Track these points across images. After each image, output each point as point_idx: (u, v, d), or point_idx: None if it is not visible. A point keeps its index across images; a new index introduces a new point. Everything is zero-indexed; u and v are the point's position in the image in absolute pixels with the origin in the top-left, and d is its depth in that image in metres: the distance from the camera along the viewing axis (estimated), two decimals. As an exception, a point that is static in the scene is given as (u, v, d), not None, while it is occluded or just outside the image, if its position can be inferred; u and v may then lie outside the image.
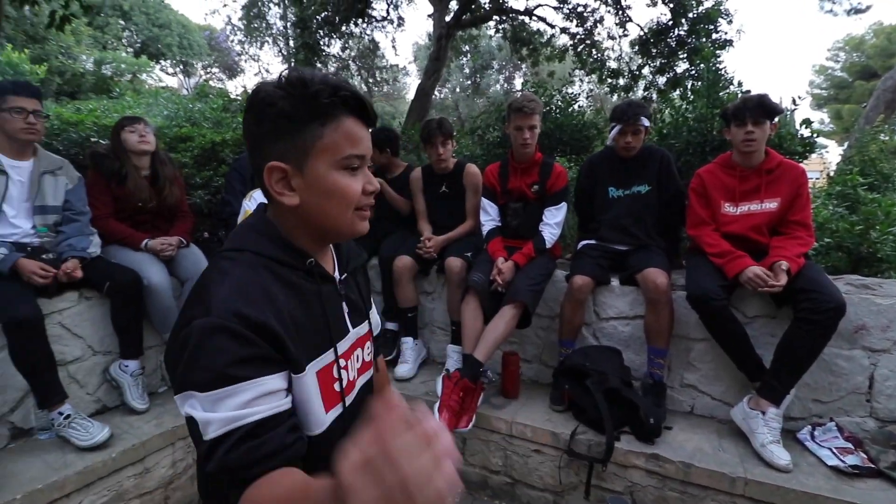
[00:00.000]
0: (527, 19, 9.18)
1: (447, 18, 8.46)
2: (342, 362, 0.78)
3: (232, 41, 16.02)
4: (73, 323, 2.10)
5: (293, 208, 0.72)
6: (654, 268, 2.12)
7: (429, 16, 9.26)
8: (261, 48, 15.92)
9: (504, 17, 9.16)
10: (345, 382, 0.78)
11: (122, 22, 16.61)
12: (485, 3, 8.67)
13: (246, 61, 18.11)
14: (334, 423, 0.75)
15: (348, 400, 0.79)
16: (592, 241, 2.49)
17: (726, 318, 1.93)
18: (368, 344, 0.90)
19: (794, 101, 3.39)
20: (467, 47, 12.38)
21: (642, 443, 1.93)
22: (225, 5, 17.90)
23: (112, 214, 2.31)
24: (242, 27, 13.56)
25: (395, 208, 2.99)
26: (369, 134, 0.73)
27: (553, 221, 2.44)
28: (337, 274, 0.84)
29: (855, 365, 1.94)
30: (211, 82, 19.13)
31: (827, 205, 3.44)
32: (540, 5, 8.74)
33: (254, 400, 0.61)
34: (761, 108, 1.97)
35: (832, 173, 5.27)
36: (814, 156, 3.38)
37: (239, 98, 6.67)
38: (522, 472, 2.17)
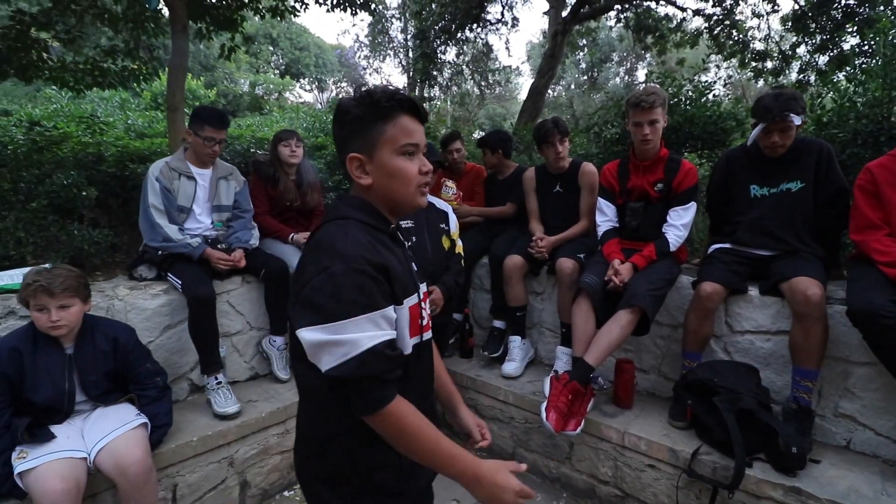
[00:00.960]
0: (653, 4, 8.53)
1: (563, 14, 8.24)
2: (423, 304, 0.98)
3: (359, 57, 17.55)
4: (237, 302, 2.53)
5: (368, 187, 0.93)
6: (805, 276, 1.85)
7: (544, 13, 9.12)
8: (383, 61, 17.23)
9: (627, 5, 8.61)
10: (425, 320, 0.99)
11: (271, 48, 19.23)
12: (605, -6, 8.25)
13: (370, 74, 19.69)
14: (413, 348, 0.95)
15: (426, 335, 1.00)
16: (727, 245, 2.25)
17: (900, 339, 1.61)
18: (427, 303, 1.05)
19: None
20: (584, 41, 11.90)
21: (781, 473, 1.71)
22: (354, 24, 19.72)
23: (268, 212, 2.74)
24: (368, 43, 14.77)
25: (513, 194, 3.03)
26: (422, 127, 0.94)
27: (680, 223, 2.26)
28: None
29: None
30: (340, 96, 21.21)
31: None
32: (668, -12, 8.06)
33: (386, 322, 0.84)
34: None
35: None
36: None
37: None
38: (634, 486, 2.06)
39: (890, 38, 2.74)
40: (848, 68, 5.72)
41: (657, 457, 1.97)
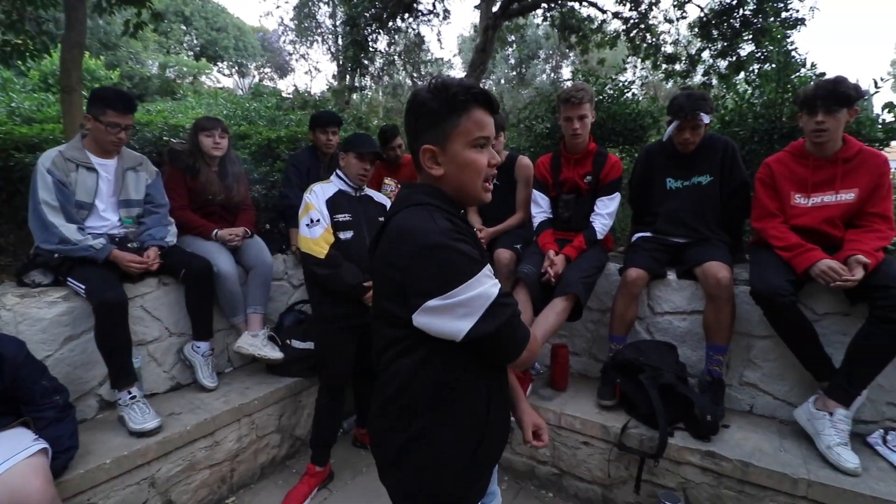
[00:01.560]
0: (576, 5, 8.90)
1: (494, 9, 8.37)
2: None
3: (284, 41, 16.64)
4: (152, 306, 2.30)
5: (439, 178, 0.97)
6: (715, 261, 2.04)
7: (475, 7, 9.18)
8: (310, 47, 16.44)
9: (553, 4, 8.92)
10: None
11: (184, 27, 17.65)
12: (533, -9, 8.49)
13: (297, 60, 18.76)
14: None
15: None
16: (647, 234, 2.42)
17: (794, 314, 1.83)
18: None
19: (875, 84, 3.12)
20: (513, 37, 12.20)
21: (698, 440, 1.88)
22: (278, 7, 18.62)
23: (187, 206, 2.50)
24: (294, 27, 14.05)
25: None
26: (493, 119, 0.97)
27: (605, 212, 2.40)
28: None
29: (941, 368, 1.79)
30: (264, 82, 20.00)
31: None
32: (590, -10, 8.46)
33: (493, 278, 0.90)
34: (834, 96, 1.83)
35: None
36: (894, 143, 3.10)
37: (290, 97, 6.92)
38: (570, 463, 2.17)
39: (782, 46, 3.09)
40: (745, 73, 6.38)
41: (591, 434, 2.08)
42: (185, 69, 14.66)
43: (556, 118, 2.54)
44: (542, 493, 2.24)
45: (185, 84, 13.51)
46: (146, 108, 7.27)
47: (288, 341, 2.55)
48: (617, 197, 2.42)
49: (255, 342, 2.48)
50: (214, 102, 7.48)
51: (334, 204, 2.24)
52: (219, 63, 18.78)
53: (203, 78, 15.87)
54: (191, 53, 17.82)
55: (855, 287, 1.74)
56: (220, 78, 19.23)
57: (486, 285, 0.86)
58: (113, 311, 1.97)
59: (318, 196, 2.25)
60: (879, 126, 2.84)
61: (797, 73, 3.07)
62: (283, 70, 21.84)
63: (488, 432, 0.98)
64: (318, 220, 2.20)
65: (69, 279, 2.01)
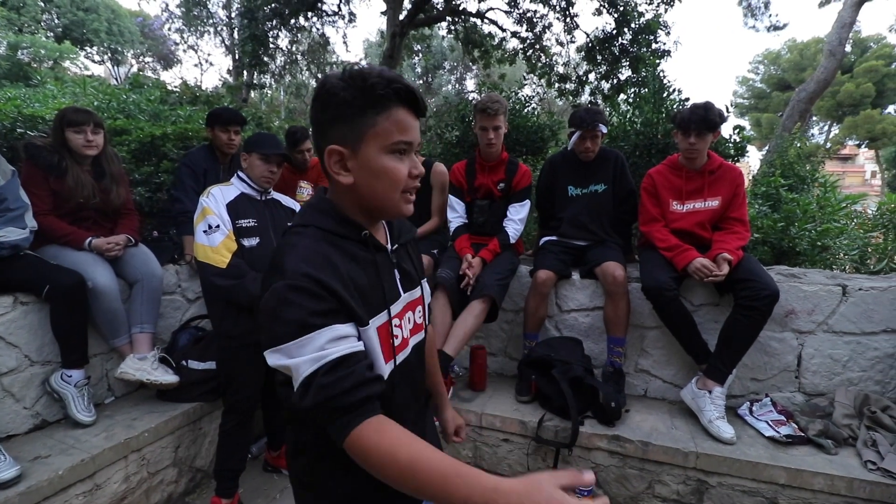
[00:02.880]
0: (479, 22, 9.34)
1: (401, 17, 8.44)
2: (396, 321, 0.88)
3: (169, 29, 15.03)
4: (6, 331, 1.91)
5: (348, 187, 0.82)
6: (611, 261, 2.25)
7: (382, 13, 9.19)
8: (201, 38, 15.06)
9: (457, 19, 9.26)
10: (399, 340, 0.89)
11: (42, 3, 15.12)
12: (438, 4, 8.72)
13: (185, 51, 17.04)
14: (391, 373, 0.86)
15: (401, 356, 0.89)
16: (553, 237, 2.60)
17: (677, 306, 2.09)
18: (420, 308, 0.99)
19: (726, 109, 3.70)
20: (419, 46, 12.40)
21: (604, 426, 2.05)
22: (160, -10, 16.75)
23: (51, 211, 2.13)
24: (181, 14, 12.77)
25: None
26: (418, 123, 0.83)
27: (517, 217, 2.52)
28: (389, 245, 0.94)
29: (785, 346, 2.17)
30: (144, 72, 17.85)
31: (752, 204, 3.78)
32: (491, 9, 8.92)
33: (331, 342, 0.72)
34: (704, 122, 2.14)
35: (753, 175, 5.80)
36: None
37: (177, 90, 6.28)
38: (492, 461, 2.23)
39: (656, 73, 3.53)
40: (625, 94, 7.19)
41: (510, 430, 2.16)
42: (42, 52, 12.49)
43: (473, 126, 2.62)
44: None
45: (44, 69, 11.52)
46: (-10, 94, 6.07)
47: (184, 362, 2.28)
48: (527, 203, 2.56)
49: (144, 366, 2.17)
50: (83, 91, 6.49)
51: (236, 208, 2.05)
52: (87, 48, 16.35)
53: (67, 63, 13.67)
54: (51, 34, 15.27)
55: (722, 281, 2.04)
56: (89, 64, 16.75)
57: (306, 355, 0.70)
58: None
59: (216, 200, 2.05)
60: (731, 145, 3.39)
61: (670, 97, 3.54)
62: (168, 61, 19.69)
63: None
64: (218, 226, 2.00)
65: None
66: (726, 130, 3.56)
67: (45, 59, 12.77)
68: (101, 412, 2.12)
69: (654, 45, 6.99)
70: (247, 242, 2.01)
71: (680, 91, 3.68)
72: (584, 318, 2.47)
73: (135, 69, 17.81)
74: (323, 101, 0.79)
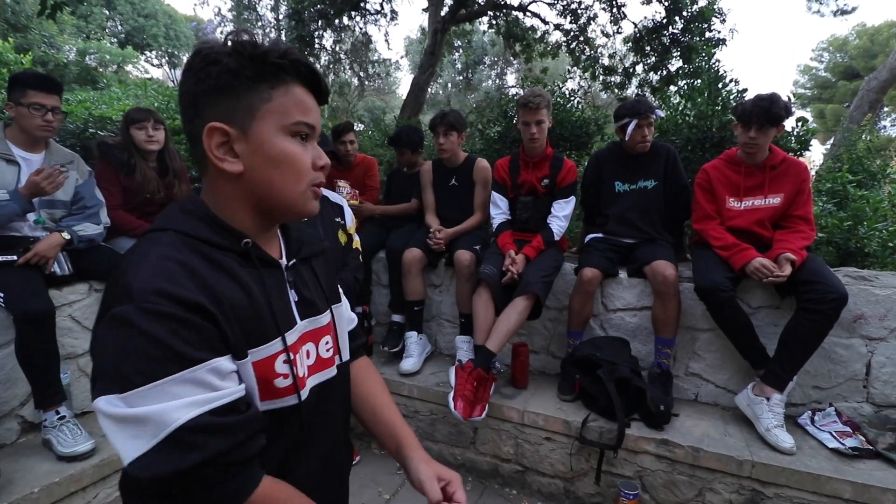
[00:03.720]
0: (521, 15, 9.21)
1: (442, 13, 8.45)
2: (283, 357, 0.69)
3: (221, 33, 15.73)
4: (82, 315, 2.08)
5: (235, 177, 0.66)
6: (662, 260, 2.17)
7: (423, 10, 9.25)
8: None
9: (499, 13, 9.17)
10: (286, 381, 0.69)
11: (107, 11, 16.20)
12: (480, -1, 8.67)
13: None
14: (272, 416, 0.67)
15: (285, 401, 0.69)
16: (599, 235, 2.53)
17: (733, 308, 1.99)
18: (327, 339, 0.80)
19: (789, 100, 3.48)
20: (460, 42, 12.35)
21: (652, 429, 1.99)
22: (213, -5, 17.55)
23: (121, 205, 2.30)
24: (232, 18, 13.33)
25: (410, 188, 3.01)
26: (318, 108, 0.70)
27: (562, 214, 2.48)
28: (284, 260, 0.76)
29: (853, 353, 2.03)
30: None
31: (816, 201, 3.54)
32: (534, 1, 8.77)
33: (214, 380, 0.57)
34: (767, 115, 2.01)
35: (817, 170, 5.42)
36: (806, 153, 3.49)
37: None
38: (533, 459, 2.21)
39: (712, 64, 3.36)
40: (676, 86, 6.89)
41: (553, 429, 2.14)
42: (107, 57, 13.41)
43: (515, 123, 2.60)
44: (506, 491, 2.27)
45: (109, 73, 12.37)
46: (65, 97, 6.57)
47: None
48: (572, 200, 2.51)
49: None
50: (144, 94, 6.92)
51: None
52: (147, 52, 17.40)
53: (129, 67, 14.62)
54: (114, 40, 16.35)
55: (784, 282, 1.92)
56: (149, 68, 17.83)
57: (172, 401, 0.53)
58: (38, 323, 1.76)
59: None
60: (793, 138, 3.18)
61: (726, 88, 3.37)
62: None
63: None
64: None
65: (-17, 286, 1.77)
66: (788, 123, 3.36)
67: (109, 63, 13.70)
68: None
69: (707, 34, 6.65)
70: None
71: (737, 81, 3.49)
72: (632, 318, 2.40)
73: (190, 71, 18.72)
74: (198, 70, 0.62)
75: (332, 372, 0.80)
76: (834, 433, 1.91)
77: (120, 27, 16.72)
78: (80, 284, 2.08)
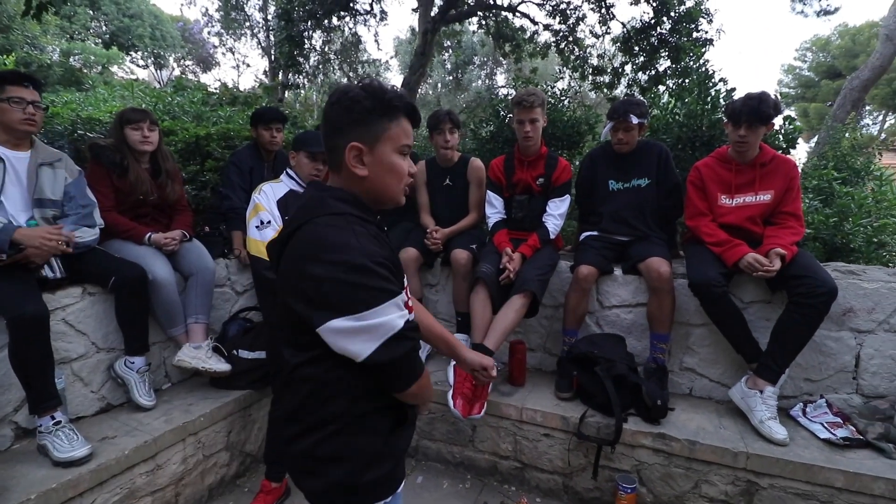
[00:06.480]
0: (510, 15, 9.26)
1: (432, 13, 8.46)
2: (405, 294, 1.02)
3: (209, 33, 15.58)
4: (76, 319, 2.05)
5: (362, 178, 0.96)
6: (656, 257, 2.21)
7: (413, 10, 9.26)
8: (238, 40, 15.52)
9: (488, 13, 9.20)
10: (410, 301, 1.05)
11: (91, 11, 15.94)
12: (469, -1, 8.69)
13: (224, 54, 17.62)
14: None
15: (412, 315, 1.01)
16: (594, 233, 2.56)
17: (726, 303, 2.03)
18: None
19: (777, 99, 3.55)
20: (450, 43, 12.37)
21: (649, 424, 2.02)
22: (200, -5, 17.34)
23: (114, 207, 2.26)
24: (219, 18, 13.21)
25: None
26: (413, 130, 1.00)
27: (557, 212, 2.50)
28: None
29: (842, 345, 2.08)
30: (185, 75, 18.56)
31: (804, 198, 3.60)
32: (523, 2, 8.82)
33: (404, 306, 0.92)
34: (756, 114, 2.05)
35: (803, 168, 5.52)
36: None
37: (217, 92, 6.49)
38: (532, 456, 2.23)
39: (701, 64, 3.41)
40: (665, 86, 6.97)
41: (551, 425, 2.16)
42: (92, 57, 13.19)
43: (503, 122, 2.61)
44: (504, 488, 2.28)
45: (94, 74, 12.17)
46: (50, 98, 6.46)
47: (234, 352, 2.38)
48: (567, 199, 2.54)
49: (199, 354, 2.29)
50: (131, 95, 6.82)
51: (286, 204, 2.14)
52: (132, 53, 17.14)
53: (114, 68, 14.39)
54: (99, 41, 16.09)
55: (774, 277, 1.96)
56: (134, 69, 17.57)
57: (392, 315, 0.87)
58: (31, 327, 1.72)
59: (268, 196, 2.14)
60: (781, 136, 3.24)
61: (715, 87, 3.42)
62: (207, 63, 20.41)
63: (402, 418, 1.02)
64: (269, 222, 2.10)
65: (-25, 291, 1.73)
66: (777, 121, 3.42)
67: (94, 64, 13.47)
68: (159, 397, 2.24)
69: (695, 34, 6.74)
70: (295, 237, 2.09)
71: (725, 81, 3.55)
72: (627, 315, 2.43)
73: (176, 72, 18.55)
74: (346, 106, 0.93)
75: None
76: (825, 424, 1.95)
77: (104, 27, 16.45)
78: (74, 288, 2.05)
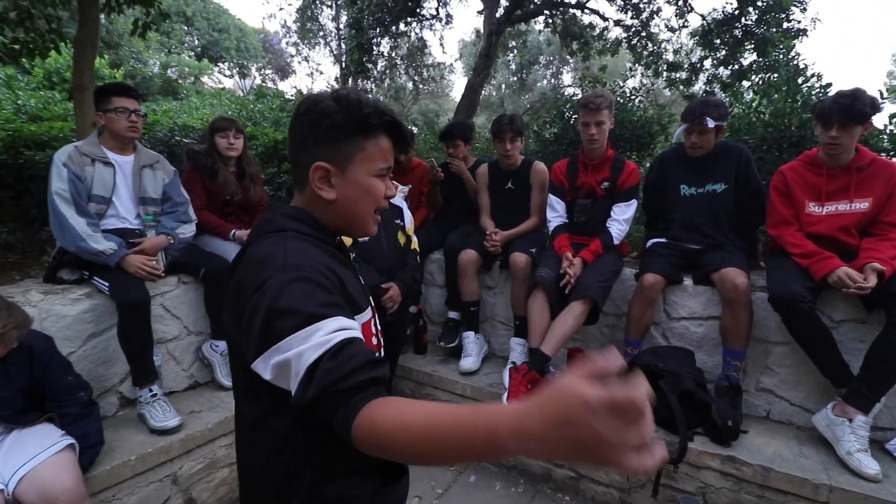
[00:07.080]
0: (578, 13, 9.01)
1: (497, 14, 8.44)
2: (375, 323, 0.91)
3: (286, 43, 16.66)
4: (172, 305, 2.31)
5: (329, 202, 0.84)
6: (732, 267, 2.07)
7: (479, 12, 9.27)
8: (312, 49, 16.48)
9: (555, 12, 9.02)
10: (374, 341, 0.90)
11: (186, 27, 17.63)
12: (536, -1, 8.58)
13: (299, 63, 18.76)
14: None
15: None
16: (663, 240, 2.45)
17: (812, 321, 1.86)
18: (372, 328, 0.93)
19: (881, 96, 3.18)
20: (514, 43, 12.28)
21: (717, 445, 1.90)
22: (281, 9, 18.64)
23: (205, 206, 2.52)
24: (296, 29, 14.09)
25: (466, 190, 3.03)
26: (394, 149, 0.87)
27: (622, 218, 2.42)
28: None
29: (955, 375, 1.83)
30: (265, 83, 19.99)
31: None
32: (593, -2, 8.55)
33: (335, 331, 0.67)
34: (849, 112, 1.86)
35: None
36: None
37: (293, 99, 6.92)
38: (588, 469, 2.18)
39: (791, 57, 3.14)
40: (746, 82, 6.46)
41: (609, 438, 2.09)
42: (186, 69, 14.65)
43: (567, 123, 2.57)
44: (558, 497, 2.25)
45: (187, 84, 13.48)
46: (151, 107, 7.25)
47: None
48: (634, 203, 2.45)
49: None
50: (218, 103, 7.49)
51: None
52: (220, 64, 18.77)
53: (204, 78, 15.85)
54: (192, 54, 17.80)
55: (871, 295, 1.77)
56: (221, 79, 19.22)
57: (311, 342, 0.65)
58: (135, 310, 1.97)
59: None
60: (885, 137, 2.90)
61: (806, 83, 3.13)
62: (285, 72, 21.87)
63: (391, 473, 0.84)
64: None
65: (94, 277, 2.02)
66: (880, 120, 3.07)
67: (188, 75, 14.91)
68: (238, 380, 2.45)
69: (785, 25, 6.18)
70: (360, 238, 2.20)
71: (819, 76, 3.24)
72: (697, 328, 2.30)
73: (257, 81, 20.02)
74: (313, 119, 0.81)
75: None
76: (930, 462, 1.73)
77: (197, 41, 18.15)
78: (171, 277, 2.30)
